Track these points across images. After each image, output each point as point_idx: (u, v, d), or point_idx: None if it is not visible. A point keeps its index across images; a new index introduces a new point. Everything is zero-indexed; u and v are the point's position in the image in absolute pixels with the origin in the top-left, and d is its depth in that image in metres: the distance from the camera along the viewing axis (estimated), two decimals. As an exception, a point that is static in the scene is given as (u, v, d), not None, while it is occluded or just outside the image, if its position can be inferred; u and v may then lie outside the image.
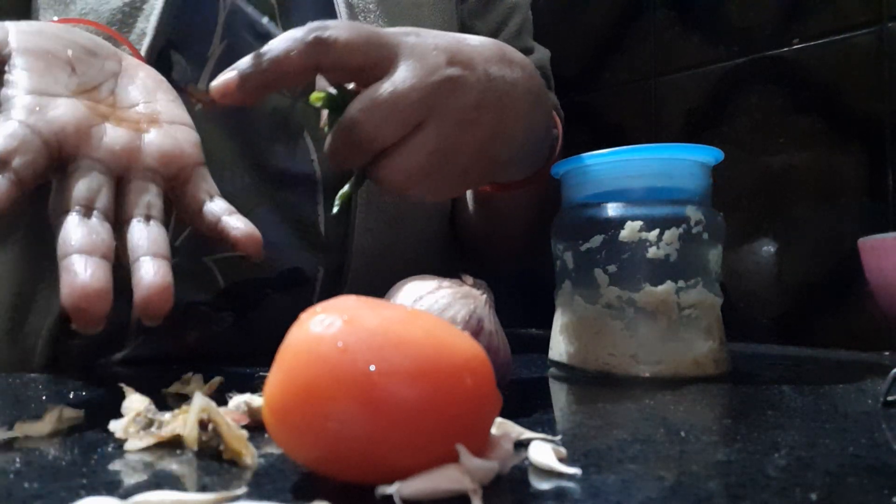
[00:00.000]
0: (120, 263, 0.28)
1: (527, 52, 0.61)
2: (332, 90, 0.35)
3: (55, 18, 0.46)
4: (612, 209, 0.36)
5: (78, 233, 0.26)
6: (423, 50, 0.34)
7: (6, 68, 0.30)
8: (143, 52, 0.43)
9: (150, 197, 0.30)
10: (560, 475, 0.18)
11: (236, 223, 0.31)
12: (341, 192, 0.36)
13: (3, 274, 0.46)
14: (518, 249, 0.59)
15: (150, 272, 0.26)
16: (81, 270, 0.24)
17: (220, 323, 0.47)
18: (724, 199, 0.61)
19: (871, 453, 0.20)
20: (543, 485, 0.17)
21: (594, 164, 0.38)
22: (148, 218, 0.29)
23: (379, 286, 0.33)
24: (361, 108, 0.32)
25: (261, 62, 0.32)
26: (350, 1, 0.51)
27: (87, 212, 0.27)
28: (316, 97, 0.35)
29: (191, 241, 0.46)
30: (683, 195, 0.36)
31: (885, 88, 0.53)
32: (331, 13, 0.50)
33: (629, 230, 0.35)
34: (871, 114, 0.53)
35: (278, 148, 0.48)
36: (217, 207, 0.32)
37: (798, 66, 0.57)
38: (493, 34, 0.60)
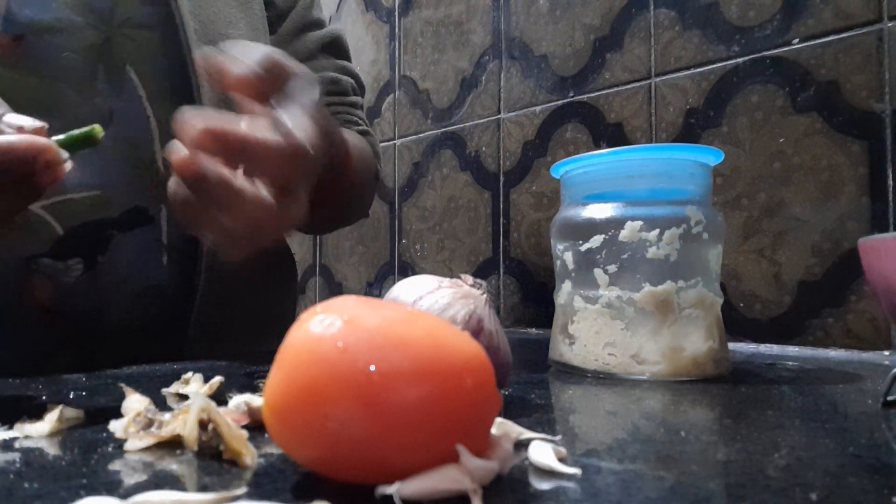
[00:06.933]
0: None
1: (318, 24, 0.64)
2: None
3: None
4: (612, 209, 0.36)
5: None
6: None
7: None
8: None
9: None
10: (560, 475, 0.18)
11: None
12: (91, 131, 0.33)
13: None
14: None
15: None
16: None
17: (70, 273, 0.46)
18: (724, 199, 0.61)
19: (871, 453, 0.20)
20: (543, 485, 0.17)
21: (594, 164, 0.38)
22: None
23: None
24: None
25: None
26: None
27: None
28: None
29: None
30: (683, 195, 0.36)
31: (885, 88, 0.53)
32: None
33: (629, 230, 0.35)
34: (870, 113, 0.53)
35: (100, 86, 0.47)
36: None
37: (798, 65, 0.57)
38: (291, 7, 0.62)
